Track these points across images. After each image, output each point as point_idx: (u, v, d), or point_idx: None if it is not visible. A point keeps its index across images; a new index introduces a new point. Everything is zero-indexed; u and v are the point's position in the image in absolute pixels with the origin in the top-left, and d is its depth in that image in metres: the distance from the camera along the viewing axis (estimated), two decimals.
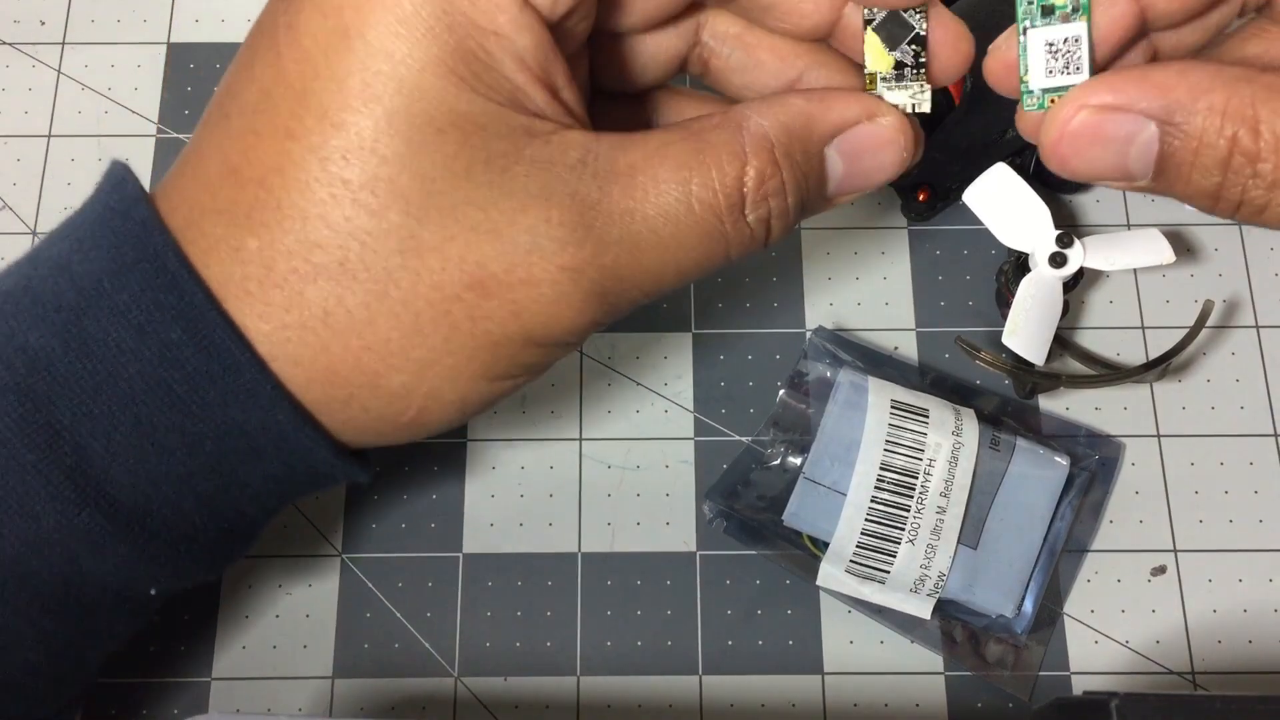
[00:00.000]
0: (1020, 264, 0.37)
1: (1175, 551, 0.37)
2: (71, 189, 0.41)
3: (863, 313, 0.40)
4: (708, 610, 0.37)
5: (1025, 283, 0.36)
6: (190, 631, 0.36)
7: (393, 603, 0.37)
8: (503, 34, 0.25)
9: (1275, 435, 0.38)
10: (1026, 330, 0.35)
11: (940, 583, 0.35)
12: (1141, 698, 0.29)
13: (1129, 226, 0.41)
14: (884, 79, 0.27)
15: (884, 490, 0.35)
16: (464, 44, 0.24)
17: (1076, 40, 0.26)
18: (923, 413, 0.36)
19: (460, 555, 0.37)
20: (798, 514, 0.36)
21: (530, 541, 0.37)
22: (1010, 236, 0.36)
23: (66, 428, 0.26)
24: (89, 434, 0.26)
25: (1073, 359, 0.39)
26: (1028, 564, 0.36)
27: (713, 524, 0.37)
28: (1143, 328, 0.40)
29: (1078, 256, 0.35)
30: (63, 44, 0.43)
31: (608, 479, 0.38)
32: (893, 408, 0.36)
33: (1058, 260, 0.35)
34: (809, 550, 0.36)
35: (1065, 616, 0.37)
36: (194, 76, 0.43)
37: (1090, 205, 0.41)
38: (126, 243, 0.26)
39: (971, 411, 0.36)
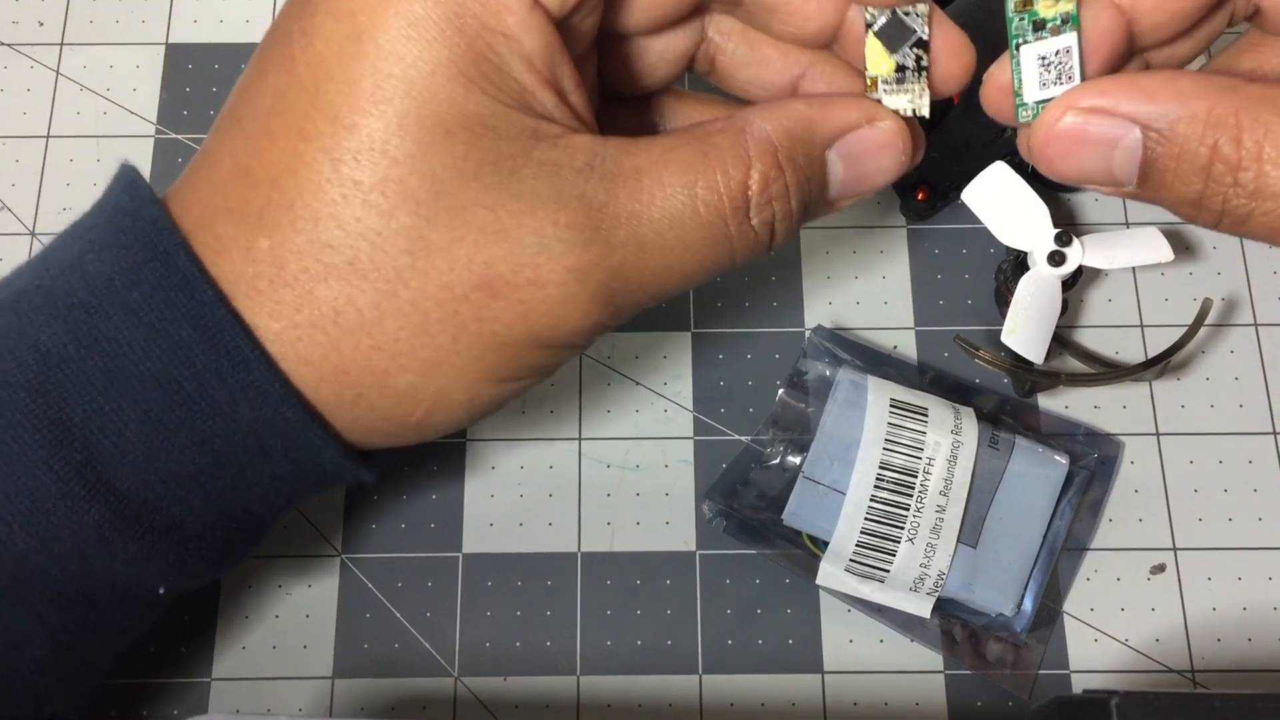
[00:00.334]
0: (1019, 263, 0.37)
1: (1174, 550, 0.37)
2: (70, 190, 0.41)
3: (862, 312, 0.40)
4: (707, 609, 0.37)
5: (1024, 281, 0.36)
6: (190, 632, 0.36)
7: (392, 603, 0.37)
8: (512, 35, 0.25)
9: (1274, 433, 0.39)
10: (1025, 329, 0.35)
11: (940, 581, 0.35)
12: (1141, 696, 0.29)
13: (1128, 225, 0.41)
14: (885, 82, 0.27)
15: (883, 489, 0.35)
16: (474, 46, 0.25)
17: (1068, 51, 0.26)
18: (922, 411, 0.36)
19: (460, 555, 0.37)
20: (797, 513, 0.36)
21: (530, 541, 0.37)
22: (1009, 235, 0.36)
23: (77, 424, 0.26)
24: (99, 431, 0.26)
25: (1072, 357, 0.39)
26: (1027, 562, 0.36)
27: (712, 523, 0.37)
28: (1141, 326, 0.40)
29: (1076, 255, 0.35)
30: (61, 45, 0.43)
31: (607, 478, 0.38)
32: (892, 407, 0.36)
33: (1056, 259, 0.35)
34: (809, 549, 0.36)
35: (1065, 615, 0.37)
36: (192, 77, 0.43)
37: (1089, 204, 0.41)
38: (137, 242, 0.27)
39: (971, 410, 0.36)
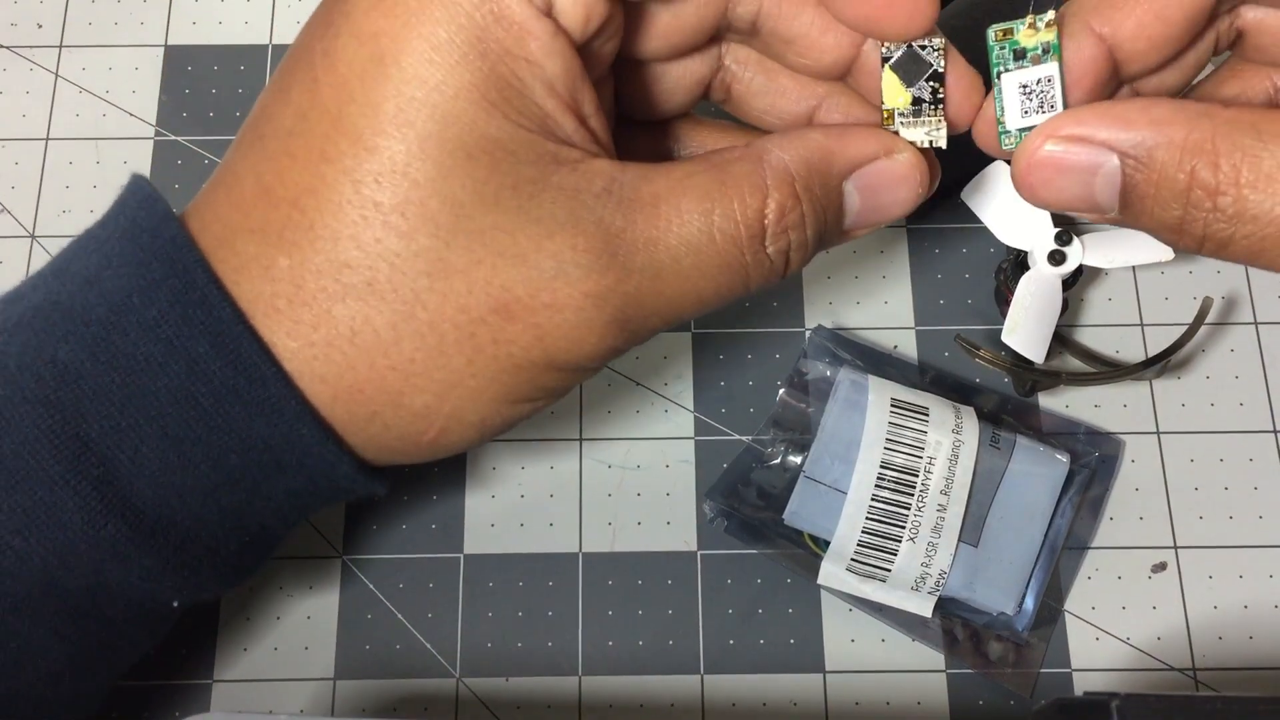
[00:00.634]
0: (1019, 262, 0.37)
1: (1175, 548, 0.37)
2: (70, 192, 0.41)
3: (862, 311, 0.40)
4: (709, 609, 0.37)
5: (1024, 280, 0.36)
6: (192, 634, 0.36)
7: (394, 604, 0.37)
8: (534, 60, 0.25)
9: (1275, 431, 0.39)
10: (1026, 328, 0.35)
11: (941, 581, 0.35)
12: (1142, 699, 0.29)
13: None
14: (901, 115, 0.28)
15: (884, 488, 0.35)
16: (496, 70, 0.25)
17: (1049, 80, 0.26)
18: (923, 411, 0.36)
19: (461, 556, 0.37)
20: (798, 513, 0.36)
21: (531, 542, 0.37)
22: (1009, 234, 0.36)
23: (94, 440, 0.26)
24: (116, 446, 0.26)
25: (1072, 356, 0.39)
26: (1028, 561, 0.36)
27: (713, 523, 0.37)
28: (1142, 325, 0.40)
29: (1076, 254, 0.35)
30: (60, 47, 0.43)
31: (608, 479, 0.38)
32: (893, 406, 0.36)
33: (1057, 258, 0.35)
34: (810, 549, 0.36)
35: (1066, 614, 0.37)
36: (191, 79, 0.43)
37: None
38: (156, 260, 0.27)
39: (971, 409, 0.36)
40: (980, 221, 0.35)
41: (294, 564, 0.37)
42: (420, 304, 0.26)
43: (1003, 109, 0.27)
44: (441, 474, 0.38)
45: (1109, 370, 0.38)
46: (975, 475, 0.35)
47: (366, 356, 0.26)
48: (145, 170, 0.41)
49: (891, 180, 0.28)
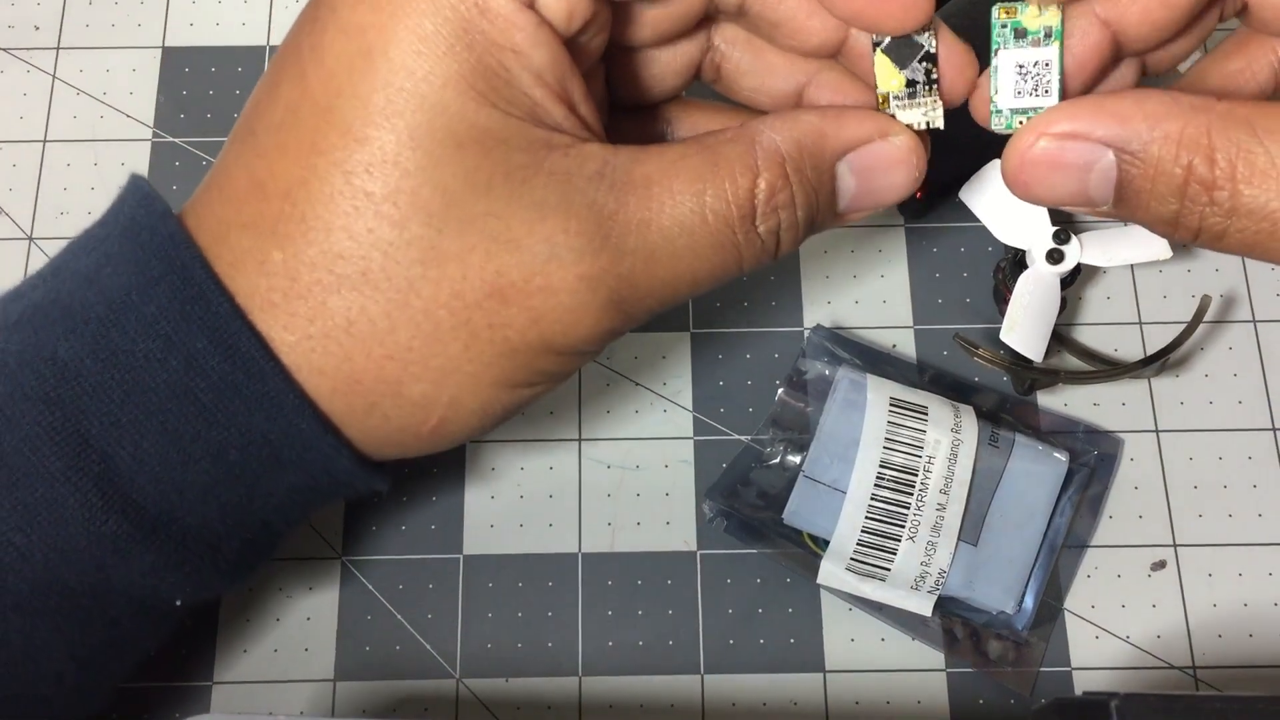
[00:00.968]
0: (1017, 261, 0.37)
1: (1175, 546, 0.37)
2: (67, 194, 0.41)
3: (861, 311, 0.40)
4: (709, 609, 0.37)
5: (1023, 279, 0.36)
6: (191, 635, 0.36)
7: (394, 605, 0.37)
8: (520, 51, 0.25)
9: (1273, 429, 0.39)
10: (1024, 327, 0.35)
11: (941, 580, 0.35)
12: (1142, 698, 0.29)
13: (1125, 222, 0.41)
14: (896, 98, 0.27)
15: (884, 488, 0.35)
16: (483, 61, 0.25)
17: (1047, 64, 0.26)
18: (922, 410, 0.36)
19: (461, 557, 0.37)
20: (798, 512, 0.36)
21: (530, 542, 0.37)
22: (1007, 233, 0.36)
23: (95, 436, 0.26)
24: (116, 442, 0.26)
25: (1071, 355, 0.39)
26: (1028, 560, 0.36)
27: (713, 523, 0.37)
28: (1140, 323, 0.40)
29: (1075, 253, 0.35)
30: (57, 49, 0.43)
31: (607, 479, 0.38)
32: (892, 405, 0.36)
33: (1055, 256, 0.35)
34: (809, 548, 0.36)
35: (1066, 612, 0.37)
36: (189, 80, 0.43)
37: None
38: (154, 257, 0.27)
39: (970, 408, 0.36)
40: (978, 220, 0.35)
41: (293, 565, 0.37)
42: (414, 292, 0.26)
43: (996, 88, 0.27)
44: (441, 475, 0.38)
45: (1108, 368, 0.38)
46: (974, 474, 0.35)
47: (363, 346, 0.26)
48: (143, 172, 0.41)
49: (887, 163, 0.28)
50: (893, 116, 0.28)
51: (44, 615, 0.27)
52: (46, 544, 0.26)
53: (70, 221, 0.41)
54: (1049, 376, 0.38)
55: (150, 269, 0.27)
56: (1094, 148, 0.25)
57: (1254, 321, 0.40)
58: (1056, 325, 0.37)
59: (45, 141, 0.42)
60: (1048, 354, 0.36)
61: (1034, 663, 0.36)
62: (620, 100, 0.31)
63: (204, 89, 0.43)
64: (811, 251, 0.41)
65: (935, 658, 0.36)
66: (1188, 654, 0.36)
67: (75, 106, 0.43)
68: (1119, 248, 0.36)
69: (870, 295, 0.40)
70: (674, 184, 0.26)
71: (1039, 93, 0.26)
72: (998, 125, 0.27)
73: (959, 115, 0.37)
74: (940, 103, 0.27)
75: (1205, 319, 0.38)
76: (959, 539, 0.35)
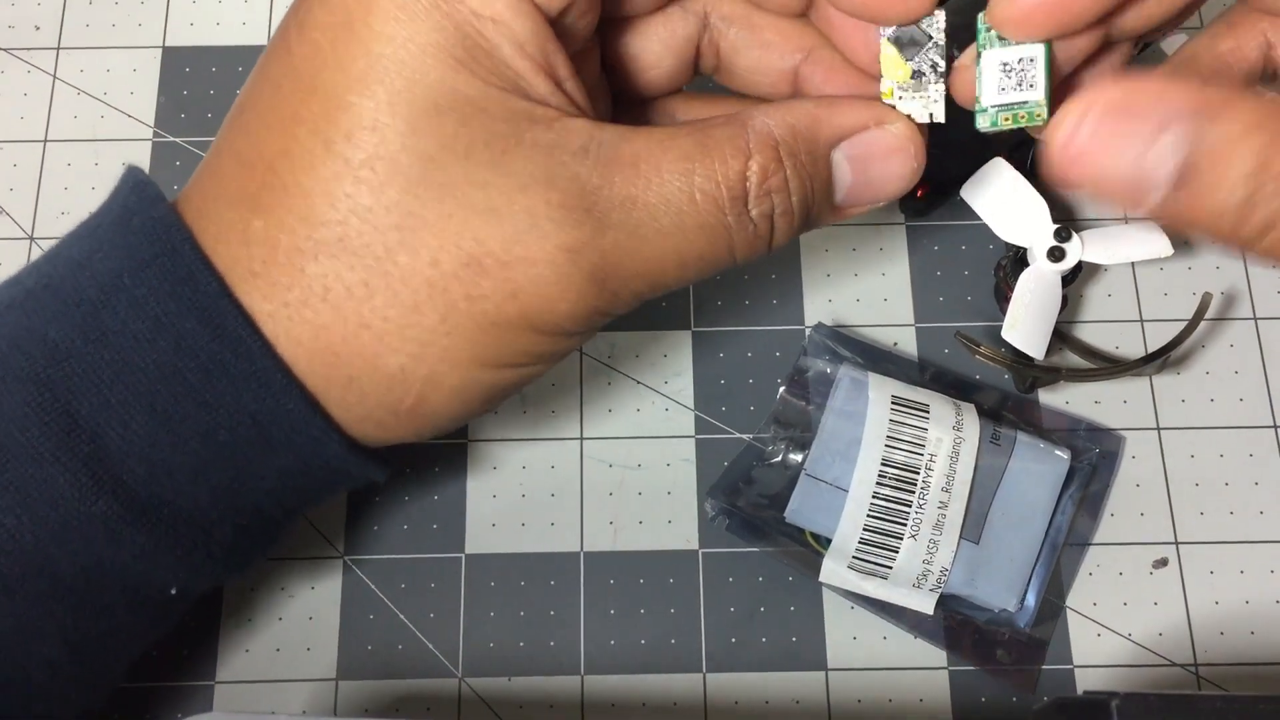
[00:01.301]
0: (1018, 259, 0.37)
1: (1176, 544, 0.37)
2: (68, 194, 0.41)
3: (862, 309, 0.40)
4: (711, 608, 0.37)
5: (1024, 277, 0.36)
6: (193, 635, 0.36)
7: (396, 604, 0.37)
8: (500, 20, 0.25)
9: (1275, 426, 0.39)
10: (1026, 324, 0.35)
11: (943, 578, 0.35)
12: (1142, 697, 0.29)
13: (1126, 220, 0.41)
14: (900, 89, 0.27)
15: (885, 486, 0.35)
16: (462, 29, 0.25)
17: (1031, 60, 0.26)
18: (923, 408, 0.36)
19: (463, 556, 0.37)
20: (800, 511, 0.36)
21: (532, 541, 0.37)
22: (1008, 231, 0.36)
23: (84, 417, 0.26)
24: (106, 423, 0.26)
25: (1072, 353, 0.39)
26: (1029, 558, 0.36)
27: (715, 522, 0.37)
28: (1141, 321, 0.40)
29: (1076, 250, 0.35)
30: (58, 49, 0.43)
31: (609, 478, 0.38)
32: (893, 403, 0.36)
33: (1056, 254, 0.35)
34: (811, 547, 0.36)
35: (1068, 610, 0.37)
36: (189, 80, 0.43)
37: (1088, 199, 0.41)
38: (145, 240, 0.27)
39: (972, 406, 0.36)
40: (979, 218, 0.35)
41: (296, 564, 0.37)
42: (391, 259, 0.26)
43: (981, 86, 0.26)
44: (443, 474, 0.38)
45: (1109, 366, 0.38)
46: (976, 472, 0.35)
47: (339, 315, 0.26)
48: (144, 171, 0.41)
49: (883, 151, 0.27)
50: (892, 107, 0.28)
51: (35, 599, 0.27)
52: (36, 525, 0.26)
53: (71, 221, 0.40)
54: (1050, 374, 0.38)
55: (141, 252, 0.27)
56: (1159, 122, 0.22)
57: (1255, 319, 0.40)
58: (1058, 323, 0.37)
59: (46, 141, 0.42)
60: (1049, 352, 0.36)
61: (1036, 661, 0.36)
62: (623, 93, 0.31)
63: (204, 89, 0.43)
64: (813, 249, 0.41)
65: (937, 656, 0.36)
66: (1189, 651, 0.36)
67: (76, 106, 0.43)
68: (1120, 245, 0.36)
69: (871, 293, 0.40)
70: (662, 163, 0.26)
71: (1023, 87, 0.26)
72: (982, 124, 0.27)
73: (959, 115, 0.37)
74: (943, 95, 0.27)
75: (1206, 316, 0.38)
76: (961, 537, 0.35)
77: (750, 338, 0.40)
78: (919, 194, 0.40)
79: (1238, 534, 0.37)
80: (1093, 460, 0.38)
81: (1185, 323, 0.37)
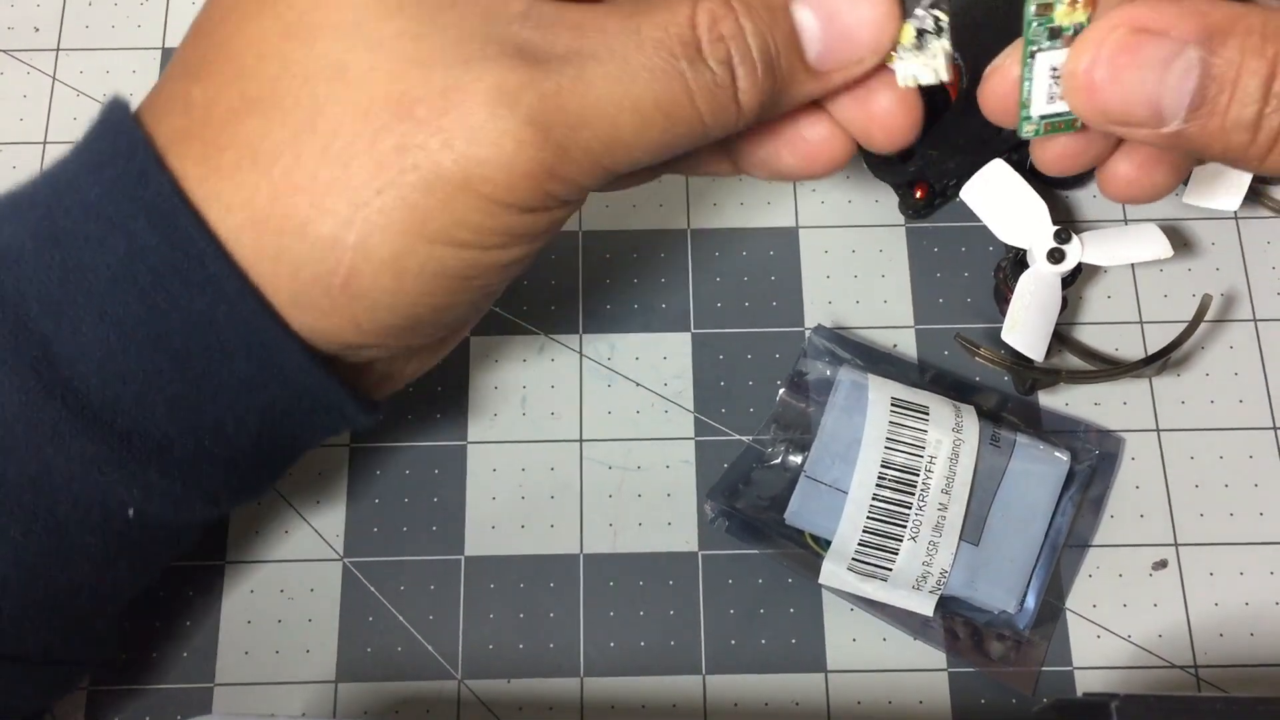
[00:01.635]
0: (1018, 260, 0.37)
1: (1176, 545, 0.37)
2: None
3: (861, 310, 0.40)
4: (710, 610, 0.37)
5: (1024, 279, 0.36)
6: (192, 637, 0.36)
7: (395, 606, 0.37)
8: None
9: (1274, 428, 0.39)
10: (1025, 326, 0.35)
11: (942, 579, 0.35)
12: (1142, 699, 0.29)
13: (1126, 222, 0.41)
14: (904, 49, 0.26)
15: (885, 488, 0.35)
16: None
17: None
18: (923, 410, 0.36)
19: (462, 558, 0.37)
20: (799, 512, 0.36)
21: (532, 543, 0.37)
22: (1008, 233, 0.36)
23: (33, 319, 0.26)
24: (55, 326, 0.26)
25: (1072, 354, 0.39)
26: (1029, 560, 0.36)
27: (714, 523, 0.37)
28: (1141, 322, 0.40)
29: (1076, 252, 0.35)
30: (57, 50, 0.43)
31: (609, 480, 0.38)
32: (893, 405, 0.36)
33: (1056, 256, 0.35)
34: (811, 549, 0.36)
35: (1067, 611, 0.37)
36: None
37: (1087, 201, 0.41)
38: (102, 143, 0.27)
39: (971, 408, 0.36)
40: (979, 220, 0.35)
41: (295, 566, 0.37)
42: (320, 113, 0.25)
43: (1030, 93, 0.25)
44: (442, 476, 0.38)
45: (1109, 368, 0.38)
46: (976, 474, 0.35)
47: (268, 177, 0.25)
48: None
49: None
50: (892, 70, 0.27)
51: None
52: None
53: None
54: (1050, 376, 0.38)
55: (98, 155, 0.26)
56: (1175, 44, 0.23)
57: (1255, 320, 0.40)
58: (1057, 325, 0.37)
59: (45, 143, 0.42)
60: (1049, 353, 0.36)
61: (1036, 662, 0.36)
62: None
63: None
64: (812, 251, 0.41)
65: (937, 657, 0.36)
66: (1189, 653, 0.36)
67: (75, 108, 0.43)
68: (1120, 247, 0.36)
69: (871, 295, 0.40)
70: (605, 23, 0.25)
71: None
72: (1027, 132, 0.26)
73: (960, 115, 0.37)
74: (947, 51, 0.26)
75: (1206, 318, 0.38)
76: (960, 539, 0.35)
77: (750, 339, 0.40)
78: (919, 195, 0.40)
79: (1237, 536, 0.37)
80: (1092, 462, 0.37)
81: (1185, 324, 0.37)
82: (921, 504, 0.35)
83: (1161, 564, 0.37)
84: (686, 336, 0.40)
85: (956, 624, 0.36)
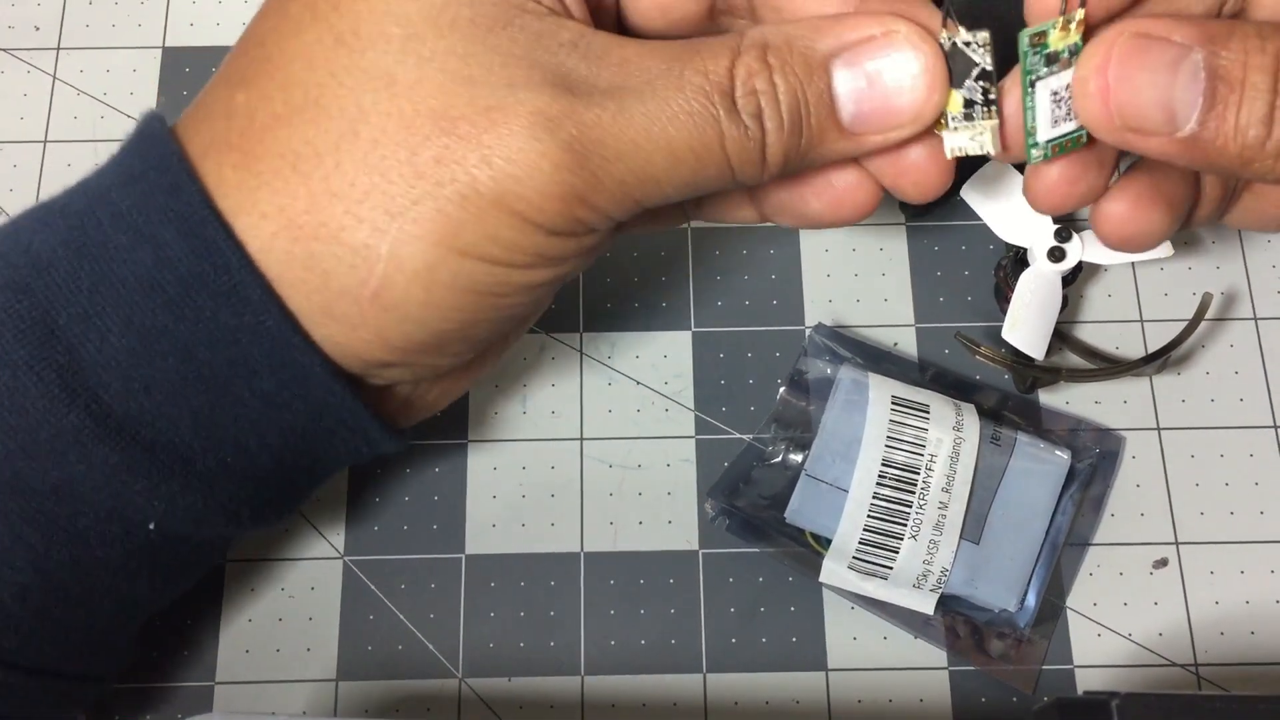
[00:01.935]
0: (1019, 259, 0.37)
1: (1177, 544, 0.37)
2: None
3: (862, 309, 0.40)
4: (711, 608, 0.37)
5: (1024, 277, 0.36)
6: (193, 635, 0.36)
7: (395, 604, 0.37)
8: None
9: (1275, 427, 0.39)
10: (1026, 325, 0.35)
11: (943, 578, 0.35)
12: (1142, 697, 0.29)
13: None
14: (953, 118, 0.26)
15: (886, 486, 0.35)
16: None
17: (1068, 86, 0.25)
18: (923, 408, 0.36)
19: (463, 556, 0.37)
20: (800, 511, 0.36)
21: (532, 542, 0.37)
22: (1008, 231, 0.36)
23: (62, 328, 0.26)
24: (83, 335, 0.26)
25: (1072, 353, 0.39)
26: (1030, 558, 0.36)
27: (715, 522, 0.37)
28: (1141, 321, 0.40)
29: (1076, 251, 0.35)
30: (58, 49, 0.43)
31: (609, 478, 0.38)
32: (893, 404, 0.36)
33: (1056, 255, 0.35)
34: (812, 547, 0.36)
35: (1068, 610, 0.37)
36: (189, 80, 0.43)
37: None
38: (136, 156, 0.27)
39: (972, 407, 0.36)
40: (980, 219, 0.35)
41: (295, 565, 0.37)
42: (364, 120, 0.25)
43: (1035, 120, 0.25)
44: (443, 474, 0.38)
45: (1109, 366, 0.38)
46: (976, 472, 0.35)
47: (307, 183, 0.25)
48: None
49: (889, 61, 0.25)
50: (940, 139, 0.26)
51: (4, 516, 0.26)
52: (6, 433, 0.26)
53: None
54: (1050, 374, 0.38)
55: (132, 167, 0.27)
56: (1180, 47, 0.24)
57: (1255, 319, 0.40)
58: (1058, 323, 0.37)
59: (46, 142, 0.42)
60: (1049, 352, 0.36)
61: (1036, 661, 0.36)
62: (634, 26, 0.30)
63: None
64: (813, 250, 0.41)
65: (937, 656, 0.36)
66: (1190, 652, 0.36)
67: (75, 107, 0.43)
68: None
69: (871, 294, 0.40)
70: (650, 63, 0.25)
71: (1071, 116, 0.26)
72: (1035, 158, 0.26)
73: None
74: (989, 125, 0.26)
75: (1206, 316, 0.38)
76: (961, 537, 0.35)
77: (750, 338, 0.40)
78: None
79: (1238, 534, 0.37)
80: (1093, 460, 0.37)
81: (1185, 323, 0.37)
82: (922, 502, 0.35)
83: (1162, 562, 0.37)
84: (687, 335, 0.40)
85: (957, 622, 0.36)
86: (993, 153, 0.26)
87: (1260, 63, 0.23)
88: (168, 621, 0.36)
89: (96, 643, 0.30)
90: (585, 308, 0.40)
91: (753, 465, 0.38)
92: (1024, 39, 0.25)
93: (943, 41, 0.26)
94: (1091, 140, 0.26)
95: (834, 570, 0.35)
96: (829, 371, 0.38)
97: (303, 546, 0.37)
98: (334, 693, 0.36)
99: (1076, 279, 0.36)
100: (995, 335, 0.37)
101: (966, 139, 0.26)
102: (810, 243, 0.41)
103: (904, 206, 0.41)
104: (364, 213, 0.25)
